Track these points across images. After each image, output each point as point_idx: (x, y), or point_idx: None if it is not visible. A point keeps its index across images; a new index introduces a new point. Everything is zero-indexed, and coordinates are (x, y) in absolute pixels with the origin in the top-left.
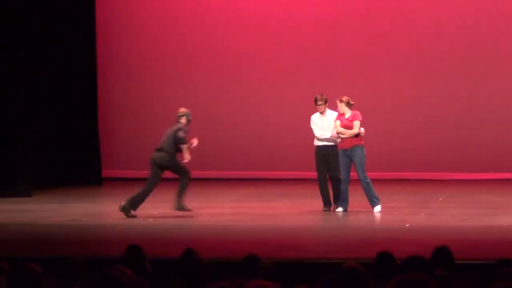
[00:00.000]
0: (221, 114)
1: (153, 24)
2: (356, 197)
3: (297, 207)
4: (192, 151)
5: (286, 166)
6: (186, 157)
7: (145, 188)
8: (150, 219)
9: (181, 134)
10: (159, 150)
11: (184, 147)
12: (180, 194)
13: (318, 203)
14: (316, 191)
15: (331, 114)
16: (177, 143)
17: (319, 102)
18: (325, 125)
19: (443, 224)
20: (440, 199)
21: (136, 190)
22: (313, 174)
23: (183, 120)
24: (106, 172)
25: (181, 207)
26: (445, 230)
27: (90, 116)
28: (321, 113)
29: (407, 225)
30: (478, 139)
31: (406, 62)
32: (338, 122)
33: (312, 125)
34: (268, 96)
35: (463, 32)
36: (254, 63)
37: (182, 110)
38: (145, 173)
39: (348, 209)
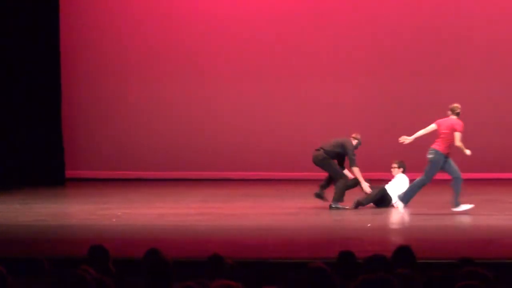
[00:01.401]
0: (184, 114)
1: (117, 24)
2: (312, 197)
3: (261, 207)
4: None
5: (250, 167)
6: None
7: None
8: (114, 219)
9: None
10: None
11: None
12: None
13: (282, 203)
14: (279, 190)
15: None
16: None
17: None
18: None
19: (405, 223)
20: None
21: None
22: (277, 174)
23: (355, 142)
24: (70, 173)
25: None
26: (407, 229)
27: (53, 116)
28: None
29: (369, 224)
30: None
31: (376, 62)
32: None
33: None
34: (233, 96)
35: (434, 30)
36: (217, 63)
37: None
38: (109, 173)
39: (311, 209)
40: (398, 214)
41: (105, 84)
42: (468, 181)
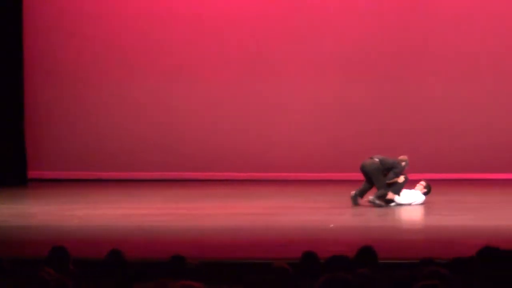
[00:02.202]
0: (145, 115)
1: (82, 23)
2: (278, 198)
3: (225, 207)
4: None
5: (213, 167)
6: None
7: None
8: (76, 220)
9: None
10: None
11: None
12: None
13: (246, 203)
14: (243, 191)
15: None
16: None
17: None
18: None
19: (367, 224)
20: (364, 199)
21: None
22: (241, 175)
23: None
24: (32, 173)
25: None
26: (369, 230)
27: (15, 116)
28: None
29: (332, 225)
30: (404, 141)
31: (333, 63)
32: None
33: None
34: (195, 95)
35: (393, 30)
36: (183, 62)
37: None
38: (71, 174)
39: (275, 209)
40: (361, 215)
41: (68, 84)
42: (431, 181)
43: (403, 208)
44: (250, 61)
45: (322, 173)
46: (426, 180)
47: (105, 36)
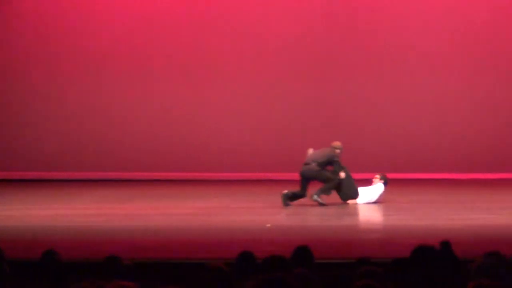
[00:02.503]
0: (89, 113)
1: (30, 23)
2: (214, 198)
3: (160, 207)
4: None
5: (149, 167)
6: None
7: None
8: (11, 221)
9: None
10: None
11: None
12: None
13: (181, 203)
14: (178, 191)
15: None
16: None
17: None
18: None
19: (303, 224)
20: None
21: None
22: (175, 175)
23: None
24: None
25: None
26: (305, 229)
27: None
28: None
29: (268, 225)
30: (345, 140)
31: (264, 64)
32: None
33: None
34: (135, 97)
35: (328, 31)
36: (113, 63)
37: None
38: (1, 174)
39: (211, 209)
40: (297, 214)
41: (15, 84)
42: (367, 181)
43: (338, 208)
44: (187, 62)
45: (259, 172)
46: (379, 174)
47: (49, 38)
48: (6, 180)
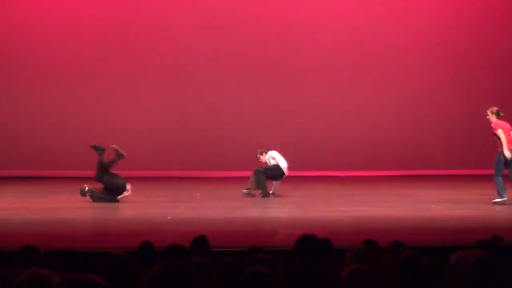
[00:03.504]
0: (7, 113)
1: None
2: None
3: (71, 201)
4: None
5: (61, 165)
6: None
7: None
8: None
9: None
10: None
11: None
12: None
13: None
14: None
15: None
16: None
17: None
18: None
19: (201, 216)
20: (198, 194)
21: None
22: (83, 173)
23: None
24: None
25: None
26: (203, 221)
27: None
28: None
29: (169, 217)
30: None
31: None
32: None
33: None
34: (52, 96)
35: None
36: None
37: None
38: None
39: (119, 203)
40: (194, 208)
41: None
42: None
43: (237, 201)
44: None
45: (163, 170)
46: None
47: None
48: None
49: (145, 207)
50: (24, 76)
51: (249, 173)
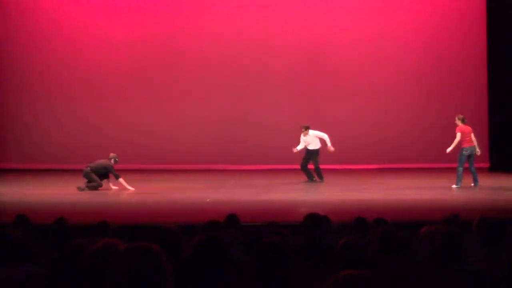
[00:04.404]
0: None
1: (42, 24)
2: (168, 182)
3: (137, 189)
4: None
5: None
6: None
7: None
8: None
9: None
10: None
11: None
12: None
13: (149, 185)
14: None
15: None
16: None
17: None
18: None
19: (233, 199)
20: (232, 182)
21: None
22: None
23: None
24: (1, 164)
25: None
26: (234, 202)
27: None
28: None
29: (208, 199)
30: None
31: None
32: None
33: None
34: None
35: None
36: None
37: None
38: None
39: (168, 189)
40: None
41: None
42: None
43: (260, 188)
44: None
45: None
46: None
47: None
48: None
49: (190, 192)
50: (82, 93)
51: (270, 166)
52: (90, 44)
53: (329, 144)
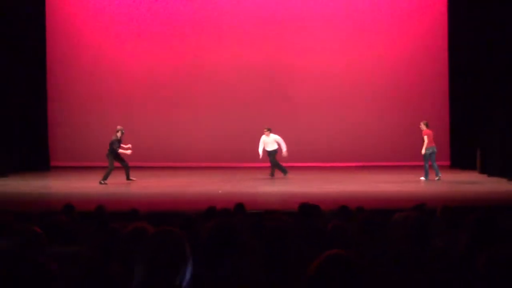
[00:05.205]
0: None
1: (95, 29)
2: (187, 177)
3: (161, 182)
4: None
5: (157, 159)
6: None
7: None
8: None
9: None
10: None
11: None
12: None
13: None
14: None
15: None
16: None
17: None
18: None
19: (240, 190)
20: (237, 177)
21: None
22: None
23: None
24: (53, 162)
25: None
26: (241, 193)
27: (41, 115)
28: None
29: (220, 191)
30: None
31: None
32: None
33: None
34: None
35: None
36: None
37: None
38: (87, 163)
39: (187, 183)
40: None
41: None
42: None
43: (262, 181)
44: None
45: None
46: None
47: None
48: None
49: (205, 185)
50: (125, 102)
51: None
52: (133, 60)
53: (284, 149)
